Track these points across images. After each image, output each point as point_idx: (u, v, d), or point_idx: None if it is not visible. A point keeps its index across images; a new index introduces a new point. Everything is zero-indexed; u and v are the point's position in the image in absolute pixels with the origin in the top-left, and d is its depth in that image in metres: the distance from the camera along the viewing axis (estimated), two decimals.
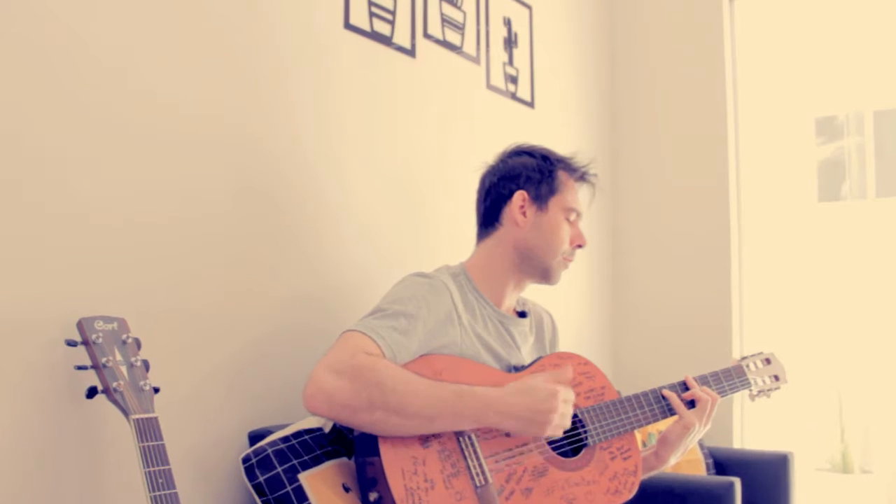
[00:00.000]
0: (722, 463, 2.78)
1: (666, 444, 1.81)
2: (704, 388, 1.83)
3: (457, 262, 1.85)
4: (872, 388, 3.52)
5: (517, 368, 1.74)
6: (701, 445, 2.77)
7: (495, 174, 1.84)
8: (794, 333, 3.20)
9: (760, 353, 2.01)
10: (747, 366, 1.96)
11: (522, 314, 1.88)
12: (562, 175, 1.82)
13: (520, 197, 1.78)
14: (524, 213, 1.78)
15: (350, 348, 1.50)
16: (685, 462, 2.70)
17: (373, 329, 1.55)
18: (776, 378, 1.99)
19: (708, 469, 2.73)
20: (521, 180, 1.80)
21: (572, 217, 1.82)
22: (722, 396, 1.88)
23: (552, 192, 1.79)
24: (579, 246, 1.83)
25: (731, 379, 1.91)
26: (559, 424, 1.57)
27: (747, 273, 3.20)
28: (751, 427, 3.15)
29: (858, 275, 3.34)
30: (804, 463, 3.11)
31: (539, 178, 1.80)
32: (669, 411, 1.81)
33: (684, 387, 1.84)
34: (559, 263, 1.81)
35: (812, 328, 3.32)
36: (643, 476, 1.81)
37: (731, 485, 2.24)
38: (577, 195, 1.84)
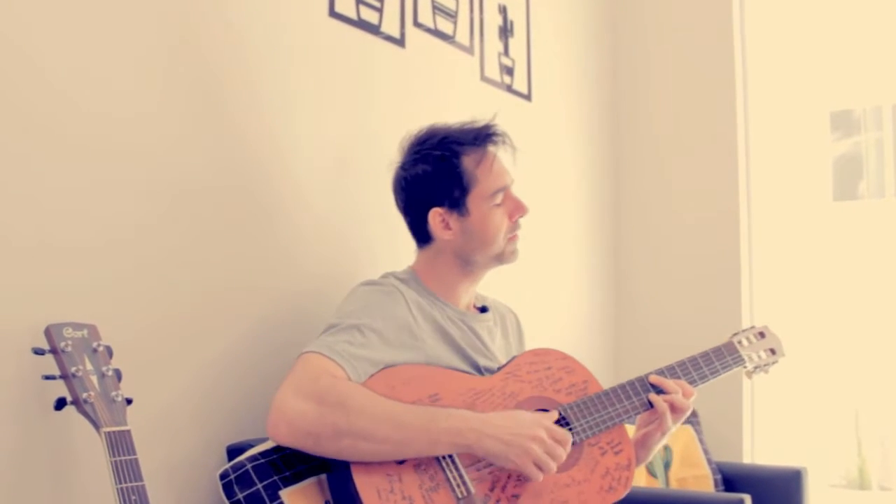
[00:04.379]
0: (731, 479, 2.79)
1: (646, 446, 1.81)
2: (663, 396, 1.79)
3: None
4: (892, 399, 3.54)
5: (490, 371, 1.75)
6: (709, 460, 2.79)
7: (401, 191, 1.82)
8: (808, 341, 3.21)
9: (753, 328, 2.00)
10: (739, 342, 1.94)
11: (483, 309, 1.89)
12: (468, 162, 1.76)
13: (435, 215, 1.77)
14: (448, 227, 1.77)
15: (311, 371, 1.51)
16: (692, 478, 2.72)
17: (329, 347, 1.55)
18: (773, 352, 1.97)
19: (716, 485, 2.74)
20: (428, 196, 1.77)
21: (499, 199, 1.78)
22: (713, 377, 1.87)
23: (466, 190, 1.75)
24: (520, 216, 1.81)
25: (722, 357, 1.89)
26: (540, 459, 1.54)
27: (758, 276, 3.22)
28: (761, 440, 3.16)
29: (876, 279, 3.35)
30: (818, 479, 3.12)
31: (447, 185, 1.76)
32: (650, 406, 1.80)
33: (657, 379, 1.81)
34: (506, 246, 1.80)
35: (827, 335, 3.34)
36: None
37: (741, 502, 2.25)
38: (493, 172, 1.77)
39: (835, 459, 3.52)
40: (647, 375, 1.82)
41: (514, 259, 1.83)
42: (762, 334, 1.99)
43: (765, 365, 1.97)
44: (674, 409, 1.78)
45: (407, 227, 1.86)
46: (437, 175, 1.77)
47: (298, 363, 1.54)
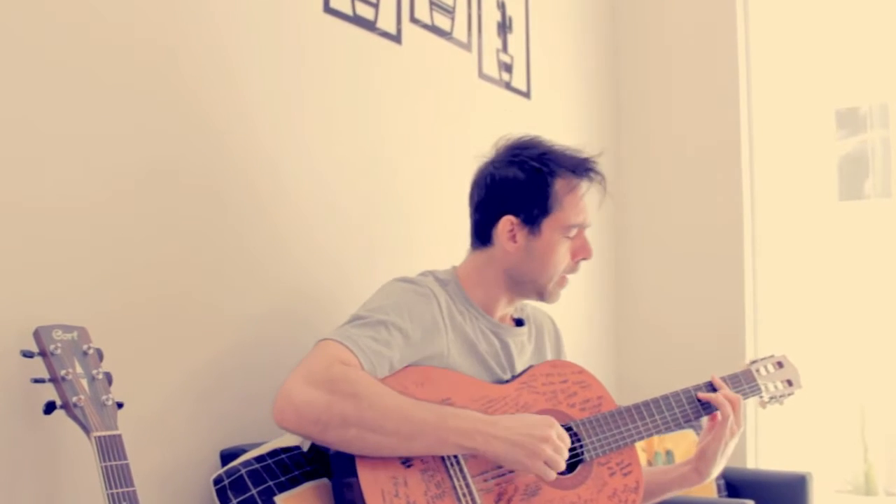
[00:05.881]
0: (734, 484, 2.80)
1: (705, 458, 1.82)
2: (722, 393, 1.82)
3: (441, 265, 1.86)
4: None
5: (506, 380, 1.75)
6: None
7: (483, 187, 1.79)
8: (813, 343, 3.21)
9: (772, 356, 2.00)
10: (757, 370, 1.95)
11: (520, 322, 1.89)
12: (559, 187, 1.74)
13: (507, 223, 1.74)
14: (514, 239, 1.75)
15: (325, 358, 1.50)
16: None
17: (350, 338, 1.55)
18: (789, 383, 1.98)
19: (719, 491, 2.75)
20: (509, 202, 1.75)
21: (572, 233, 1.77)
22: None
23: (546, 212, 1.73)
24: (583, 258, 1.80)
25: (739, 385, 1.90)
26: (551, 459, 1.55)
27: (762, 278, 3.22)
28: (765, 445, 3.17)
29: (883, 280, 3.36)
30: (823, 484, 3.12)
31: (530, 199, 1.73)
32: (695, 415, 1.82)
33: (711, 388, 1.85)
34: (556, 285, 1.79)
35: (833, 338, 3.34)
36: (680, 492, 1.84)
37: None
38: (579, 206, 1.77)
39: (840, 464, 3.53)
40: (683, 390, 1.83)
41: (555, 301, 1.82)
42: (780, 364, 2.00)
43: (780, 396, 1.97)
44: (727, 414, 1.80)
45: (471, 223, 1.83)
46: (527, 185, 1.74)
47: (314, 349, 1.54)
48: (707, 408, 1.83)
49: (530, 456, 1.54)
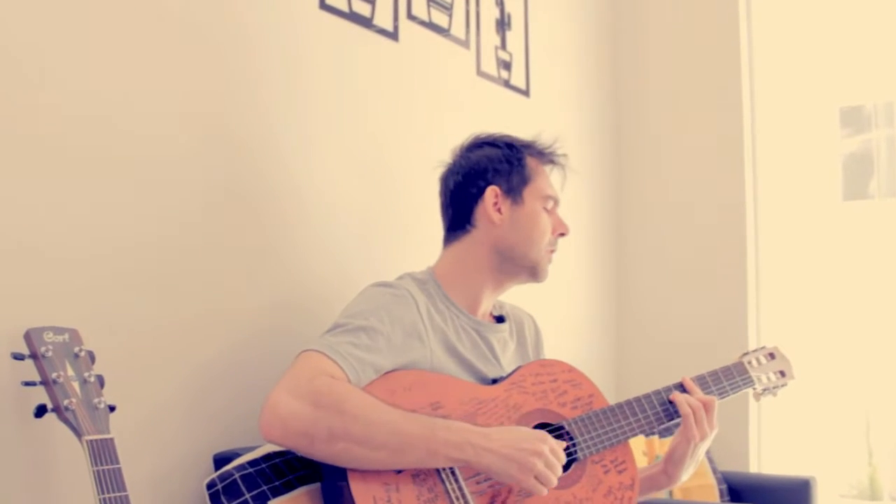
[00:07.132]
0: (737, 489, 2.80)
1: (672, 460, 1.82)
2: (692, 396, 1.82)
3: (425, 266, 1.87)
4: None
5: (495, 380, 1.75)
6: (714, 470, 2.80)
7: (458, 172, 1.85)
8: (816, 345, 3.22)
9: (763, 348, 2.02)
10: (749, 362, 1.96)
11: (500, 319, 1.90)
12: (531, 161, 1.84)
13: (492, 193, 1.80)
14: (499, 210, 1.80)
15: (309, 370, 1.50)
16: (696, 488, 2.73)
17: (331, 347, 1.55)
18: (782, 374, 1.99)
19: (721, 496, 2.75)
20: (489, 174, 1.81)
21: (549, 205, 1.84)
22: (722, 398, 1.88)
23: (525, 181, 1.82)
24: (562, 234, 1.86)
25: (731, 377, 1.92)
26: (542, 474, 1.54)
27: (764, 279, 3.23)
28: (768, 449, 3.17)
29: (887, 282, 3.36)
30: (827, 489, 3.13)
31: (508, 169, 1.82)
32: (667, 416, 1.82)
33: (681, 389, 1.85)
34: (544, 257, 1.84)
35: (837, 340, 3.34)
36: (652, 494, 1.84)
37: None
38: (550, 180, 1.87)
39: (844, 468, 3.53)
40: (655, 392, 1.83)
41: (545, 277, 1.86)
42: (772, 355, 2.01)
43: (774, 387, 1.99)
44: (696, 415, 1.80)
45: (447, 216, 1.86)
46: (503, 158, 1.83)
47: (297, 361, 1.54)
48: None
49: (521, 470, 1.53)
